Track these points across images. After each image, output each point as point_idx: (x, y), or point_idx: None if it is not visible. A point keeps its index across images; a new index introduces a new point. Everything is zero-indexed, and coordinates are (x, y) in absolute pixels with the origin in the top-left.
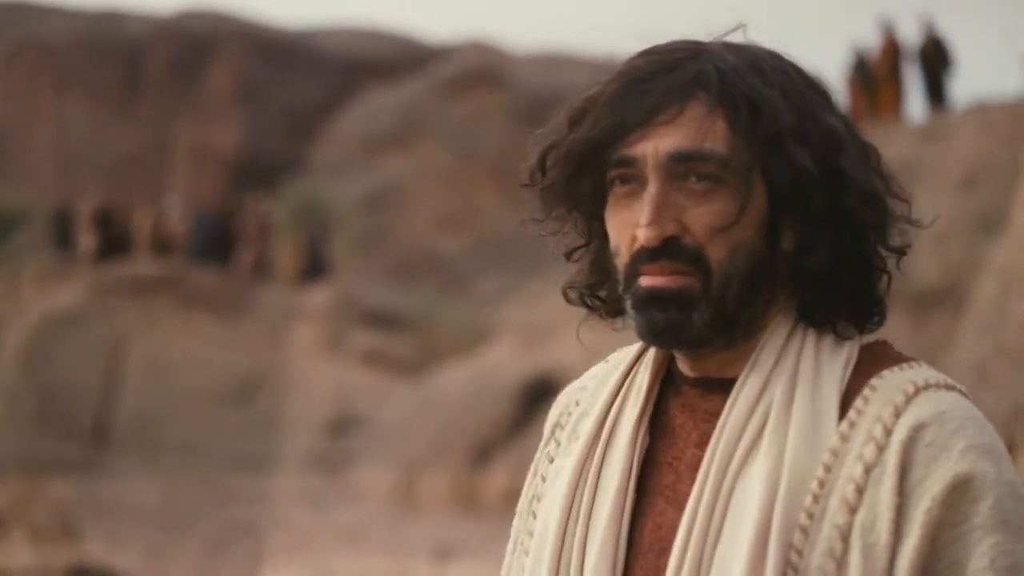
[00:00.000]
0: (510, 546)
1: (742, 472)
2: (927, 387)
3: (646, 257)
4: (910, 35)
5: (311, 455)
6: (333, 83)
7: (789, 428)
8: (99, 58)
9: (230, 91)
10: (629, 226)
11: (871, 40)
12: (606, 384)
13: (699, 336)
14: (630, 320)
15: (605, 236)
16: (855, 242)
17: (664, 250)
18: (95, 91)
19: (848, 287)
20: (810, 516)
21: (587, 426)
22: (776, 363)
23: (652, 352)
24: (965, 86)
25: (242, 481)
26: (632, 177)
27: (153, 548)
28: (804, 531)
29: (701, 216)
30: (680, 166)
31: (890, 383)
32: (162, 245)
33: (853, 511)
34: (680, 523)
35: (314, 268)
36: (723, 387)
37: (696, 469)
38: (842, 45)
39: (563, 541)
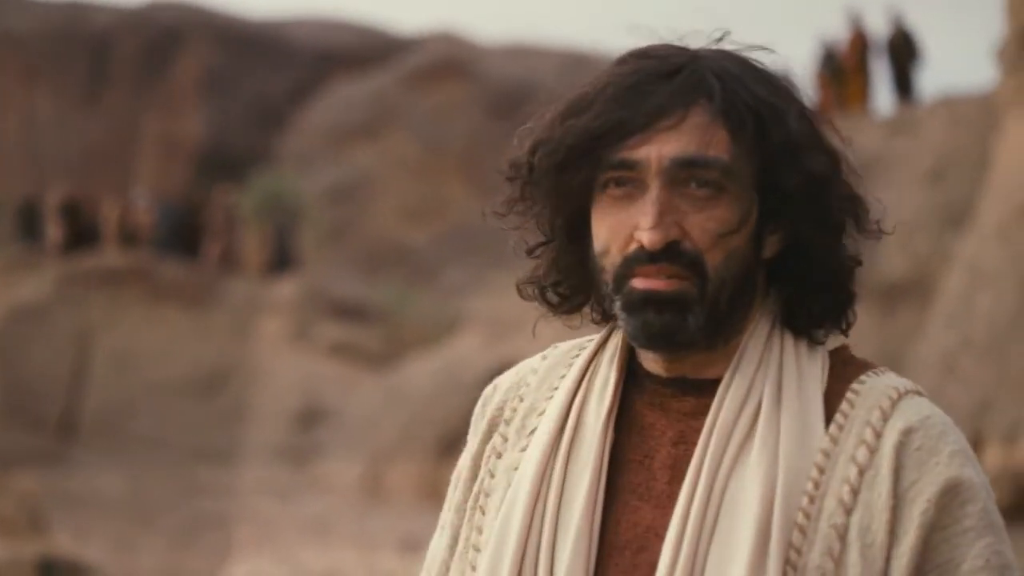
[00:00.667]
0: (445, 541)
1: (734, 471)
2: (907, 393)
3: (645, 259)
4: (878, 28)
5: (278, 447)
6: (301, 74)
7: (780, 429)
8: (66, 50)
9: (197, 82)
10: (624, 227)
11: (839, 32)
12: (555, 379)
13: (692, 339)
14: (620, 323)
15: (569, 235)
16: (840, 252)
17: (664, 253)
18: (62, 83)
19: (829, 295)
20: (807, 516)
21: (544, 422)
22: (759, 365)
23: (615, 348)
24: (933, 79)
25: (209, 473)
26: (630, 180)
27: (120, 540)
28: (802, 530)
29: (702, 222)
30: (682, 172)
31: (872, 388)
32: (129, 237)
33: (849, 512)
34: (670, 520)
35: (281, 260)
36: (699, 387)
37: (672, 468)
38: (810, 37)
39: (528, 538)
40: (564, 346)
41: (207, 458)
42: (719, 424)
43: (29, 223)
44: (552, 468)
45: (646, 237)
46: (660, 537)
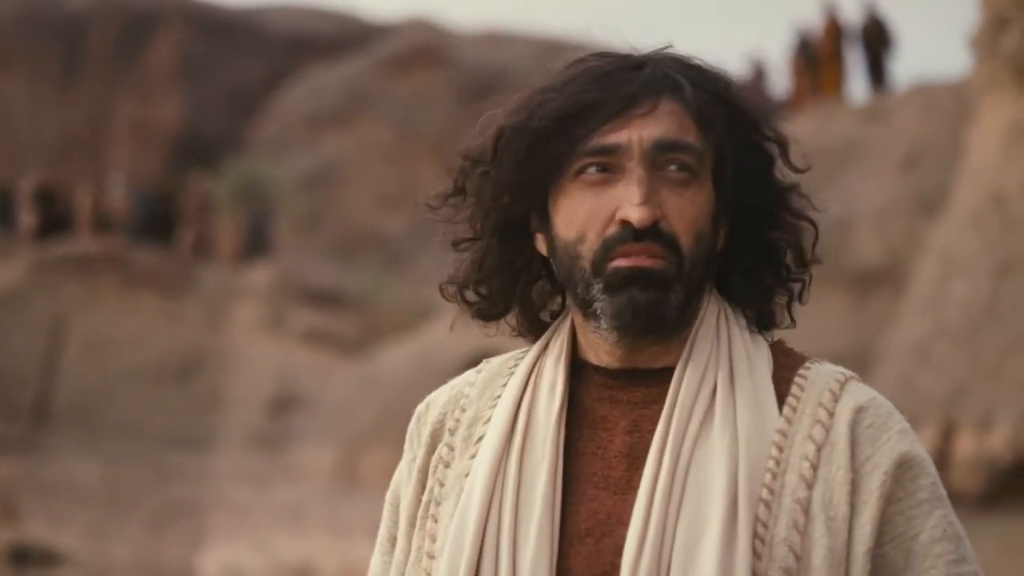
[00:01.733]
0: (398, 557)
1: (695, 452)
2: (851, 378)
3: (630, 238)
4: (852, 16)
5: (252, 434)
6: (275, 61)
7: (737, 412)
8: (40, 35)
9: (172, 68)
10: (603, 211)
11: (814, 21)
12: (497, 388)
13: (673, 315)
14: (598, 307)
15: (501, 235)
16: (780, 243)
17: (648, 232)
18: (36, 68)
19: (772, 287)
20: (771, 491)
21: (493, 426)
22: (711, 352)
23: (560, 349)
24: (907, 66)
25: (183, 459)
26: (608, 165)
27: (93, 527)
28: (767, 505)
29: (679, 204)
30: (661, 156)
31: (819, 373)
32: (103, 223)
33: (810, 486)
34: (634, 503)
35: (255, 246)
36: (649, 377)
37: (628, 455)
38: (786, 25)
39: (484, 537)
40: (497, 359)
41: (181, 445)
42: (678, 407)
43: (2, 210)
44: (506, 468)
45: (635, 214)
46: (623, 523)
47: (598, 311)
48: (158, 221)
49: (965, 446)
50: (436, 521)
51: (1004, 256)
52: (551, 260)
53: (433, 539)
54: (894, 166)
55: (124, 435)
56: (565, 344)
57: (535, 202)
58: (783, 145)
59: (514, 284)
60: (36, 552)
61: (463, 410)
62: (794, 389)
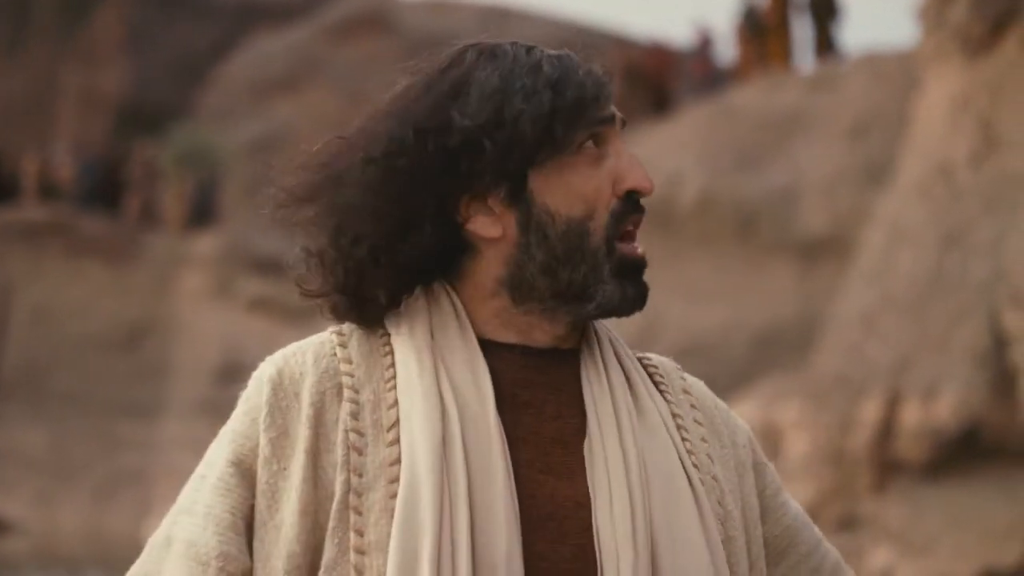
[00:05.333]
0: (284, 553)
1: (642, 433)
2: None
3: (637, 208)
4: None
5: (199, 402)
6: (222, 27)
7: (643, 394)
8: None
9: (118, 36)
10: (607, 184)
11: None
12: (382, 368)
13: None
14: (601, 289)
15: (429, 220)
16: None
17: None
18: None
19: None
20: (697, 469)
21: (420, 412)
22: (598, 333)
23: (457, 325)
24: (855, 36)
25: (130, 428)
26: (599, 140)
27: (40, 495)
28: (701, 482)
29: None
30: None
31: (660, 360)
32: (49, 190)
33: (713, 463)
34: (586, 488)
35: (202, 214)
36: (554, 358)
37: (562, 441)
38: None
39: (440, 528)
40: (356, 332)
41: (127, 413)
42: (618, 389)
43: None
44: (449, 455)
45: (647, 181)
46: (582, 505)
47: (598, 294)
48: (104, 189)
49: (911, 416)
50: (361, 514)
51: (950, 226)
52: (526, 240)
53: (361, 533)
54: (841, 135)
55: (71, 404)
56: (466, 321)
57: (515, 181)
58: None
59: (408, 273)
60: None
61: (355, 391)
62: (656, 377)
